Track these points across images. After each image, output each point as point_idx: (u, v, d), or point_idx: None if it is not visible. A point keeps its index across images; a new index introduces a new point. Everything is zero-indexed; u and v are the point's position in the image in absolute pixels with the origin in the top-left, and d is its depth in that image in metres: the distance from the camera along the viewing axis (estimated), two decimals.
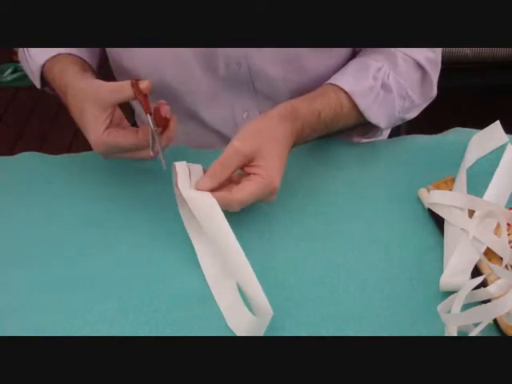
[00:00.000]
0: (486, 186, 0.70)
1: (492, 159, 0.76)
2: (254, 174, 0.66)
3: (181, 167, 0.66)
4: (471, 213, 0.67)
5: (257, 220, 0.72)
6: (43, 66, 0.79)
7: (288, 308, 0.62)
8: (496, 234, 0.64)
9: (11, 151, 1.13)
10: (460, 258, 0.64)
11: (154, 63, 0.81)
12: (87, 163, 0.81)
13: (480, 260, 0.63)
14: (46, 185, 0.79)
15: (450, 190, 0.71)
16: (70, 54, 0.78)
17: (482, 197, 0.69)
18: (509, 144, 0.76)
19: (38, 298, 0.65)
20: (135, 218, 0.73)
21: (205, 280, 0.65)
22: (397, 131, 1.00)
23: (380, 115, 0.79)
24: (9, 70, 2.41)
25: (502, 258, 0.62)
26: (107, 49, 0.87)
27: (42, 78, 0.81)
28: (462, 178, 0.71)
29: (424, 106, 0.85)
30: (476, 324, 0.55)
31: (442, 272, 0.64)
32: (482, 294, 0.58)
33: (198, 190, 0.64)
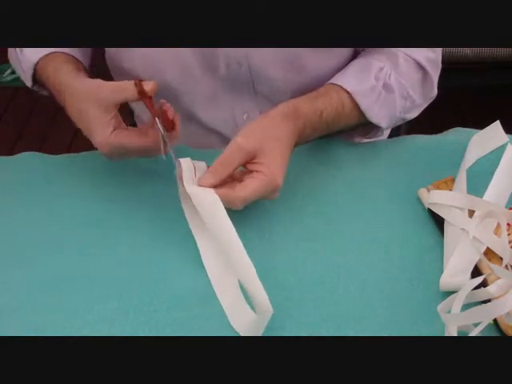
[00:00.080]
0: (485, 186, 0.70)
1: (492, 159, 0.76)
2: (257, 171, 0.66)
3: (186, 163, 0.66)
4: (471, 213, 0.67)
5: (257, 218, 0.72)
6: (36, 64, 0.78)
7: (288, 308, 0.62)
8: (496, 234, 0.64)
9: (11, 151, 1.13)
10: (460, 258, 0.64)
11: (154, 63, 0.81)
12: (87, 163, 0.81)
13: (480, 260, 0.63)
14: (46, 185, 0.79)
15: (450, 190, 0.71)
16: (63, 52, 0.78)
17: (481, 197, 0.69)
18: (509, 144, 0.76)
19: (38, 298, 0.65)
20: (135, 218, 0.73)
21: (205, 280, 0.65)
22: (397, 131, 1.00)
23: (381, 115, 0.79)
24: (9, 70, 2.41)
25: (501, 258, 0.62)
26: (106, 49, 0.86)
27: (34, 77, 0.81)
28: (461, 178, 0.71)
29: (424, 105, 0.85)
30: (476, 324, 0.55)
31: (442, 272, 0.64)
32: (482, 293, 0.58)
33: (200, 186, 0.64)
